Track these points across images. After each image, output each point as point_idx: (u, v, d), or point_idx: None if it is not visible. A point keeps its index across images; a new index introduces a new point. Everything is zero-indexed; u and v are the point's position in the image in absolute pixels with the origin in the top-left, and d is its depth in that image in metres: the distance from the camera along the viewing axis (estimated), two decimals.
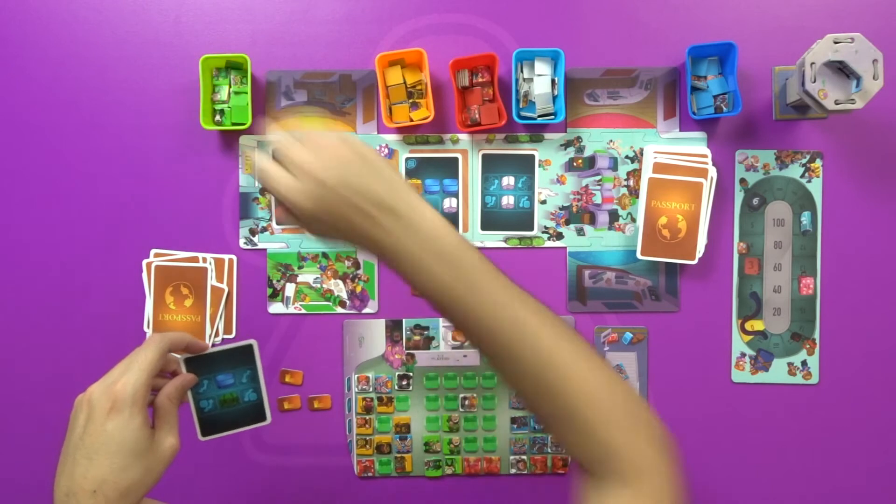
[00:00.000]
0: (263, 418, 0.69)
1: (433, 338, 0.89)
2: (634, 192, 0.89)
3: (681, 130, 0.89)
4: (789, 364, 0.88)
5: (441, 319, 0.89)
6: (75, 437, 0.60)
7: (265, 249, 0.89)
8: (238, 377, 0.68)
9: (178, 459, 0.62)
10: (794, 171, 0.89)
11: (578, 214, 0.89)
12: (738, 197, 0.89)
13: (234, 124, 0.87)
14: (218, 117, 0.88)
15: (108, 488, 0.58)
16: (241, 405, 0.69)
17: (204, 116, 0.86)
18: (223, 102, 0.88)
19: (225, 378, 0.68)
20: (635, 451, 0.56)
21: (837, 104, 0.79)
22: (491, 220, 0.89)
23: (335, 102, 0.89)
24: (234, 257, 0.89)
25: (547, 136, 0.89)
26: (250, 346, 0.68)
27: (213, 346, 0.68)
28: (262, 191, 0.86)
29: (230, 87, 0.88)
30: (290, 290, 0.89)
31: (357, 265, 0.89)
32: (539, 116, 0.87)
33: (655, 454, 0.57)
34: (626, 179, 0.89)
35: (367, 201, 0.56)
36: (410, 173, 0.89)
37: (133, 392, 0.60)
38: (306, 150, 0.57)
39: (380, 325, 0.89)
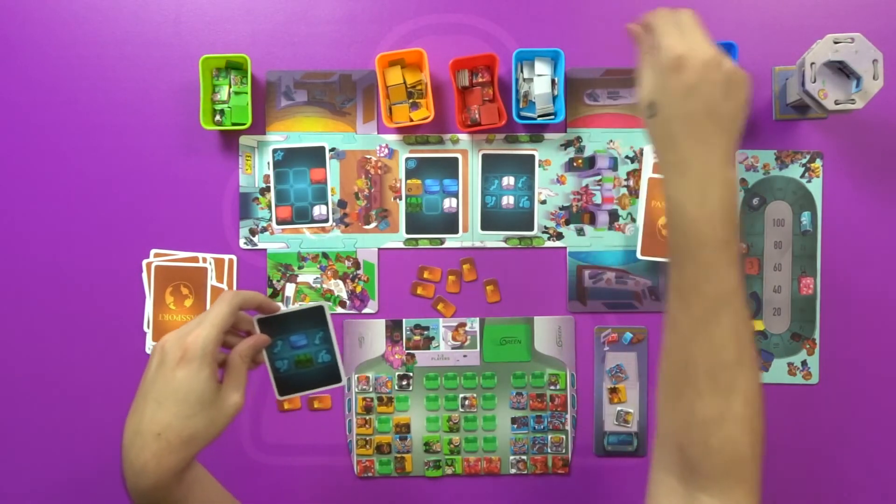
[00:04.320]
0: (338, 380, 0.70)
1: (433, 338, 0.89)
2: (634, 192, 0.89)
3: None
4: (789, 364, 0.88)
5: (441, 319, 0.89)
6: (147, 380, 0.62)
7: (265, 249, 0.89)
8: (311, 338, 0.69)
9: None
10: (794, 171, 0.89)
11: (578, 214, 0.89)
12: (738, 197, 0.89)
13: (234, 124, 0.87)
14: (218, 117, 0.88)
15: (171, 433, 0.60)
16: (316, 366, 0.70)
17: (204, 116, 0.86)
18: (223, 102, 0.88)
19: (298, 339, 0.69)
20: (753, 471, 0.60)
21: (837, 104, 0.79)
22: (491, 220, 0.89)
23: (335, 102, 0.89)
24: (234, 257, 0.89)
25: (547, 136, 0.89)
26: (321, 308, 0.69)
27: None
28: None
29: (230, 87, 0.88)
30: (290, 290, 0.89)
31: (357, 265, 0.89)
32: (539, 116, 0.87)
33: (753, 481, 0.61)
34: (626, 179, 0.89)
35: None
36: (410, 173, 0.89)
37: (203, 345, 0.61)
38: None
39: (380, 326, 0.89)
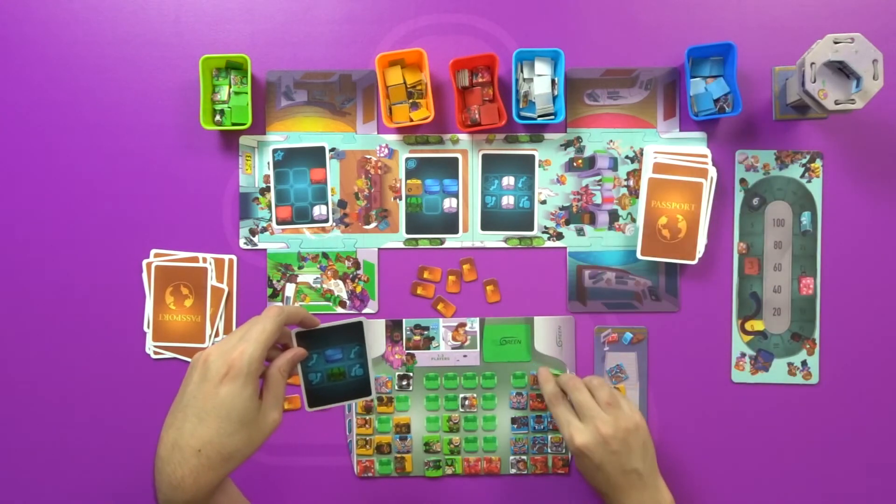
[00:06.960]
0: (368, 393, 0.71)
1: (433, 338, 0.89)
2: (634, 192, 0.89)
3: (681, 130, 0.89)
4: (789, 364, 0.88)
5: (441, 319, 0.89)
6: (188, 394, 0.62)
7: (265, 249, 0.89)
8: (346, 353, 0.70)
9: None
10: (794, 171, 0.89)
11: (578, 214, 0.89)
12: (738, 197, 0.89)
13: (234, 124, 0.87)
14: (218, 117, 0.88)
15: (212, 450, 0.60)
16: (348, 380, 0.70)
17: (204, 116, 0.86)
18: (223, 102, 0.88)
19: (333, 353, 0.69)
20: None
21: (837, 104, 0.79)
22: (491, 220, 0.89)
23: (335, 102, 0.89)
24: (234, 257, 0.89)
25: (547, 136, 0.89)
26: (359, 324, 0.69)
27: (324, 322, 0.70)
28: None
29: (230, 87, 0.88)
30: (290, 290, 0.89)
31: (357, 265, 0.89)
32: (539, 116, 0.87)
33: None
34: (626, 179, 0.89)
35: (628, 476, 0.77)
36: (410, 173, 0.89)
37: (249, 362, 0.61)
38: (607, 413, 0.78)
39: (380, 326, 0.89)
